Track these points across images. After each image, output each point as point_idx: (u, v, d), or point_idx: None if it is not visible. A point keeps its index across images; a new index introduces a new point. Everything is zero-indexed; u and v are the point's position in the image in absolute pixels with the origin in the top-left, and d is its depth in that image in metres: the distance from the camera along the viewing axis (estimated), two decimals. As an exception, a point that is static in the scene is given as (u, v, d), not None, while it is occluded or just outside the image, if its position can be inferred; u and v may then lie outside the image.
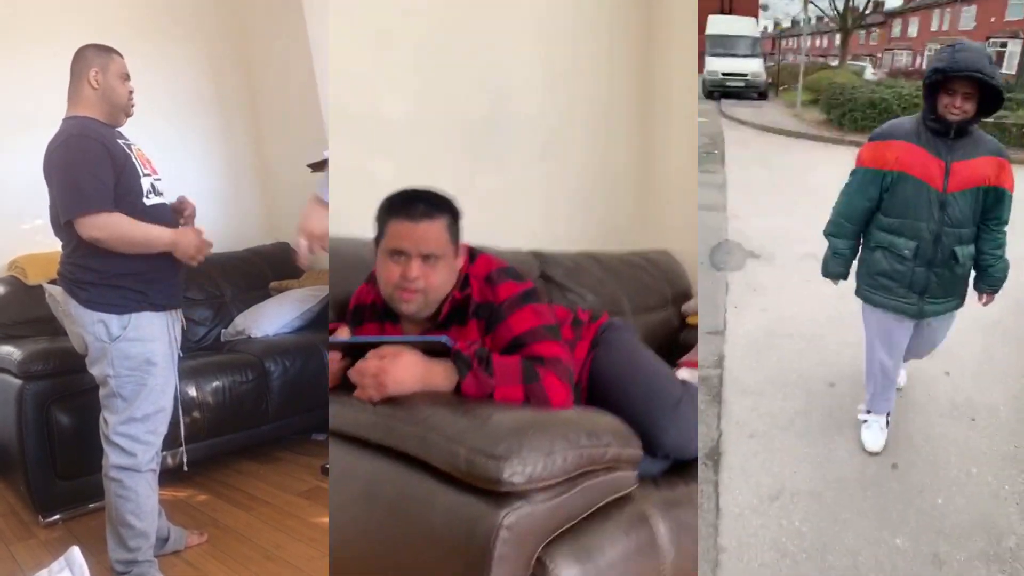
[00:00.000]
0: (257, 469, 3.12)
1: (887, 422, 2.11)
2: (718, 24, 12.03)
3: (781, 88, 12.62)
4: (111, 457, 2.07)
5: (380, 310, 1.79)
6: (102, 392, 2.09)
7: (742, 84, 10.61)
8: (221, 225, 4.05)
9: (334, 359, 1.63)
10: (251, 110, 4.35)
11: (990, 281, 1.89)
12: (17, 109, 3.34)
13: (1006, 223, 1.82)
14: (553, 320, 1.69)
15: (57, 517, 2.65)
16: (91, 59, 2.10)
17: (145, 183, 2.11)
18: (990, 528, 1.84)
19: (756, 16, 16.00)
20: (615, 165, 3.37)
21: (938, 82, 1.68)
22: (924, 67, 12.85)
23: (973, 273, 1.93)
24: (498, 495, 1.20)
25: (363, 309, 1.84)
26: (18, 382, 2.61)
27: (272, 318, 3.49)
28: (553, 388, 1.51)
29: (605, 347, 1.88)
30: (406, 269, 1.63)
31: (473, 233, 1.77)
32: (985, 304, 1.96)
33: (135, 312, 2.05)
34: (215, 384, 2.95)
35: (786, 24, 23.92)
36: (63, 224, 2.01)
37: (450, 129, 2.80)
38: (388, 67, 2.50)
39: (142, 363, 2.06)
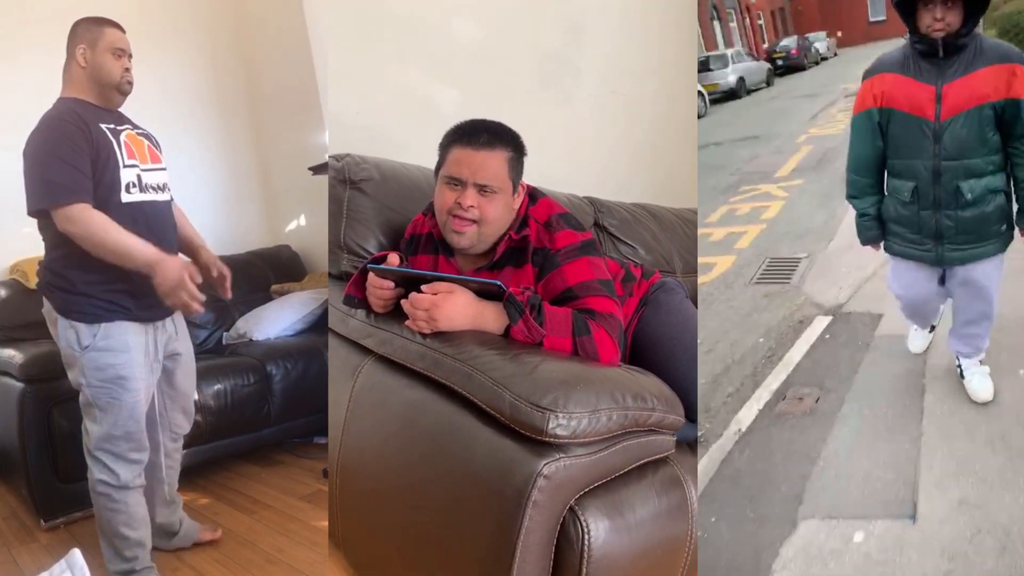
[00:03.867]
0: (259, 472, 3.11)
1: (931, 329, 2.05)
2: None
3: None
4: (94, 472, 2.00)
5: (435, 242, 1.79)
6: (80, 400, 2.01)
7: None
8: (222, 228, 4.05)
9: (385, 286, 1.62)
10: (251, 112, 4.35)
11: None
12: (15, 109, 3.32)
13: None
14: (608, 275, 1.68)
15: (59, 520, 2.64)
16: (80, 35, 1.97)
17: (126, 175, 1.93)
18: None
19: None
20: (683, 118, 3.32)
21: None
22: None
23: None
24: (538, 443, 1.22)
25: (418, 239, 1.85)
26: (19, 385, 2.61)
27: (274, 321, 3.49)
28: (603, 343, 1.50)
29: (655, 307, 1.87)
30: (461, 197, 1.63)
31: (529, 171, 1.75)
32: None
33: (106, 322, 1.92)
34: (216, 387, 2.94)
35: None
36: (29, 214, 1.88)
37: (519, 59, 2.76)
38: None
39: (113, 377, 1.94)
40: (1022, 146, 1.52)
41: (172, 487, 2.35)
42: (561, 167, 2.52)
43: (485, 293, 1.53)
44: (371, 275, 1.64)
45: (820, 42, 15.89)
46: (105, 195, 1.89)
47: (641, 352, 1.79)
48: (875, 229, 1.72)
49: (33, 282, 3.21)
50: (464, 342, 1.46)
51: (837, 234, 3.58)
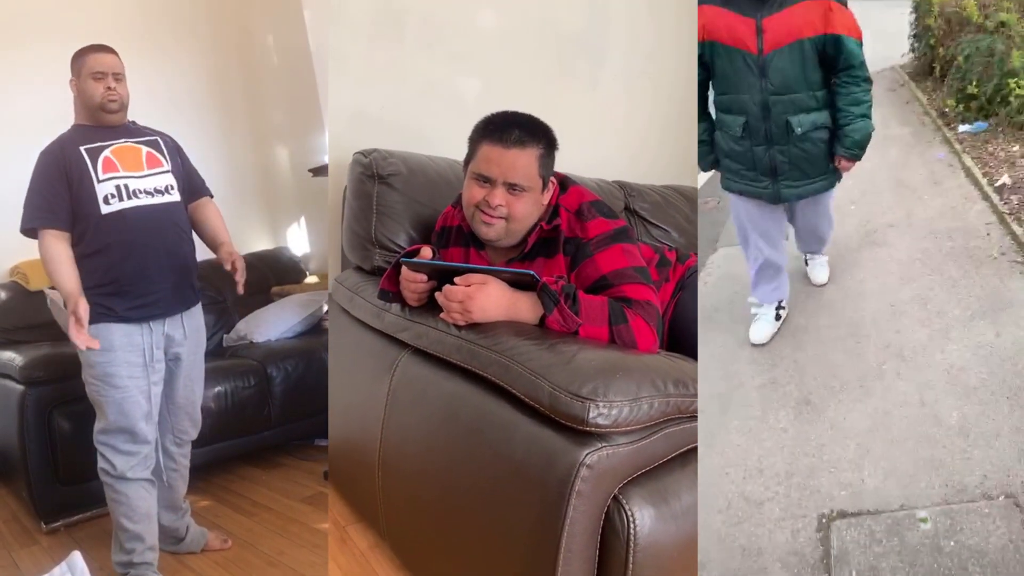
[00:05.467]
0: (259, 475, 3.10)
1: (778, 314, 1.93)
2: None
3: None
4: (98, 462, 2.10)
5: (466, 235, 1.79)
6: (88, 397, 2.13)
7: None
8: (222, 230, 4.05)
9: (419, 279, 1.63)
10: (251, 114, 4.34)
11: (844, 143, 1.61)
12: (14, 113, 3.33)
13: (862, 76, 1.57)
14: (642, 262, 1.67)
15: (59, 523, 2.62)
16: (72, 67, 2.14)
17: (105, 188, 2.05)
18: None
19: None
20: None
21: None
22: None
23: None
24: (580, 433, 1.22)
25: (449, 232, 1.85)
26: (20, 387, 2.59)
27: (274, 323, 3.48)
28: (641, 331, 1.49)
29: (692, 291, 1.85)
30: (490, 195, 1.62)
31: (556, 158, 1.74)
32: (843, 169, 1.68)
33: (93, 324, 2.02)
34: (217, 390, 2.93)
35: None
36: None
37: (542, 43, 2.78)
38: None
39: (101, 374, 2.05)
40: (845, 77, 1.54)
41: (178, 493, 2.35)
42: (589, 152, 2.52)
43: (519, 283, 1.53)
44: (404, 269, 1.65)
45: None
46: (87, 209, 2.04)
47: (679, 337, 1.78)
48: (710, 154, 1.70)
49: (33, 284, 3.21)
50: (500, 333, 1.46)
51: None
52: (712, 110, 1.77)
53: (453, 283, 1.53)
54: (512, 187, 1.62)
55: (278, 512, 2.72)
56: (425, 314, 1.68)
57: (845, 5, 1.53)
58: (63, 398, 2.60)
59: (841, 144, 1.64)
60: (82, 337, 1.95)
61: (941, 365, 1.78)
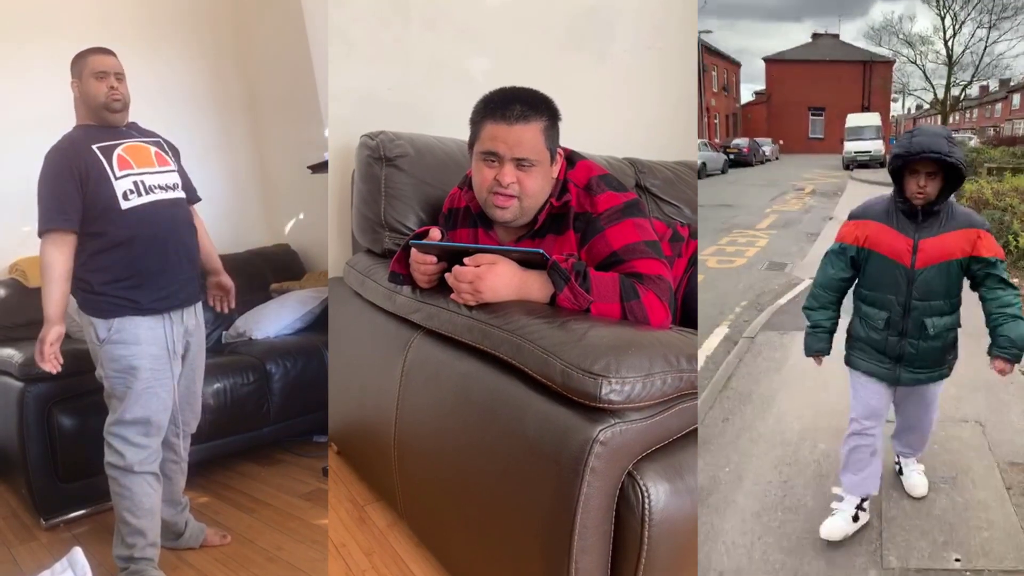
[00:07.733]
0: (258, 471, 3.11)
1: (856, 515, 1.88)
2: (852, 120, 17.93)
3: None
4: (106, 455, 2.10)
5: (473, 215, 1.78)
6: (104, 391, 2.12)
7: (867, 158, 15.87)
8: (221, 227, 4.04)
9: (428, 261, 1.63)
10: (251, 111, 4.34)
11: (1001, 343, 1.75)
12: (15, 111, 3.33)
13: (1006, 284, 1.77)
14: (654, 236, 1.66)
15: (59, 519, 2.63)
16: (73, 69, 2.16)
17: (122, 184, 2.08)
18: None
19: (888, 107, 22.86)
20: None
21: (902, 167, 1.73)
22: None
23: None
24: (593, 410, 1.23)
25: (456, 213, 1.85)
26: (19, 384, 2.60)
27: (273, 320, 3.49)
28: (653, 307, 1.49)
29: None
30: (500, 174, 1.61)
31: (566, 135, 1.75)
32: (1000, 372, 1.79)
33: (118, 317, 2.06)
34: (216, 386, 2.94)
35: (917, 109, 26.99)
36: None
37: (549, 18, 2.78)
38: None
39: (125, 367, 2.06)
40: (993, 285, 1.78)
41: (178, 487, 2.36)
42: (598, 128, 2.51)
43: (528, 262, 1.53)
44: (414, 251, 1.65)
45: (767, 146, 19.03)
46: (106, 204, 2.06)
47: (693, 313, 1.78)
48: (825, 343, 1.89)
49: (32, 281, 3.21)
50: (511, 312, 1.46)
51: (809, 255, 5.49)
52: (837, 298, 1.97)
53: (463, 264, 1.53)
54: (520, 162, 1.61)
55: (277, 508, 2.73)
56: (436, 295, 1.69)
57: (992, 232, 1.80)
58: (63, 395, 2.61)
59: (997, 345, 1.77)
60: (50, 362, 2.04)
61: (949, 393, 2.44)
